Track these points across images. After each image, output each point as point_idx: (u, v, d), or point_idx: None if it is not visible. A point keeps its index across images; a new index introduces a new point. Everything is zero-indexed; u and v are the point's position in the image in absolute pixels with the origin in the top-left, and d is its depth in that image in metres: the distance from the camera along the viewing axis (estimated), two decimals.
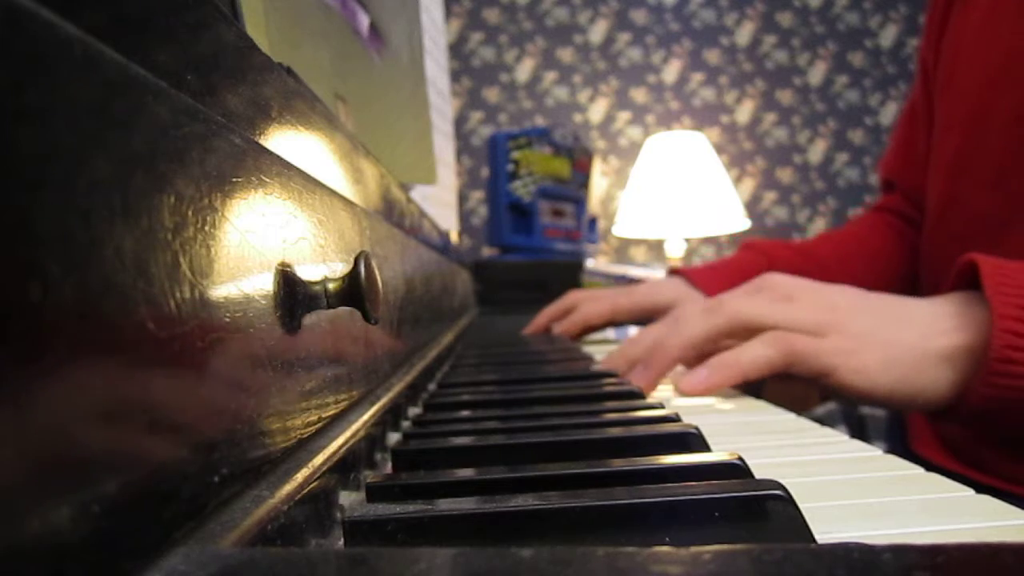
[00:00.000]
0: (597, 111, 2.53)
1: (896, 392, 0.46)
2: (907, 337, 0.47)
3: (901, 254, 0.86)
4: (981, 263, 0.47)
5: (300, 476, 0.20)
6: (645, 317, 0.78)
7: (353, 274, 0.23)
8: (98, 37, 0.13)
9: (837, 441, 0.35)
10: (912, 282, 0.83)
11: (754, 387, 0.57)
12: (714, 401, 0.48)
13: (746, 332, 0.49)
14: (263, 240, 0.20)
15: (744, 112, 2.54)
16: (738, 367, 0.46)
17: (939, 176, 0.75)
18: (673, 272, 0.82)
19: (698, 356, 0.50)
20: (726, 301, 0.50)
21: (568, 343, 0.75)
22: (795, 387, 0.52)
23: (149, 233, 0.14)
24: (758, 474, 0.25)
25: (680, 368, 0.54)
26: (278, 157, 0.23)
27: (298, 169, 0.24)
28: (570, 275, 1.33)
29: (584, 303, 0.80)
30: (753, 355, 0.46)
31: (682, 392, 0.47)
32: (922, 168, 0.82)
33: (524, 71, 2.51)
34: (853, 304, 0.49)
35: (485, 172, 2.10)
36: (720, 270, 0.81)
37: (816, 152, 2.54)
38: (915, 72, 0.88)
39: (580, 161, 1.45)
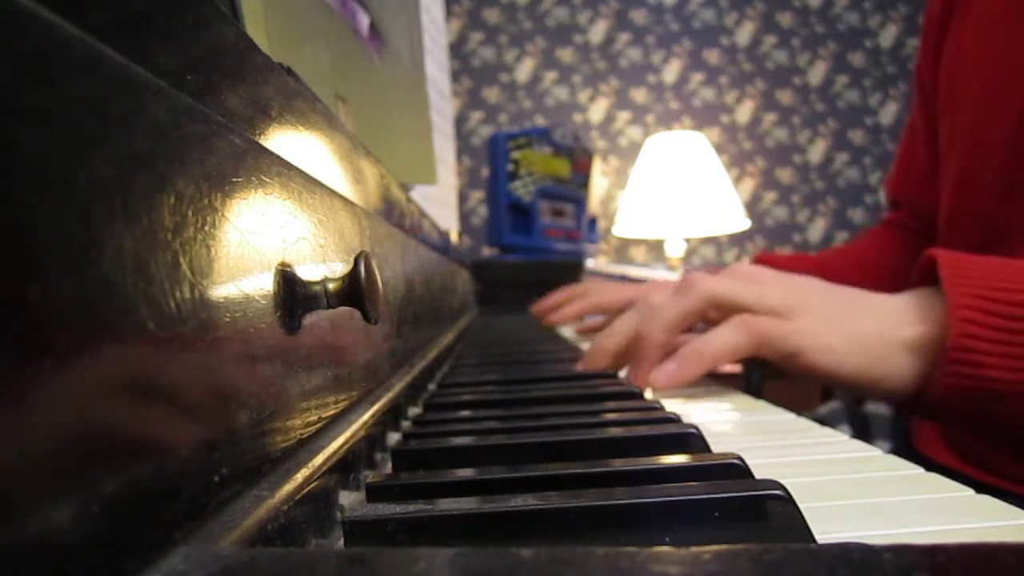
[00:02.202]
0: (597, 111, 2.53)
1: (861, 375, 0.47)
2: (872, 325, 0.48)
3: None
4: (939, 257, 0.48)
5: (300, 476, 0.20)
6: None
7: (353, 274, 0.23)
8: (98, 37, 0.13)
9: (837, 441, 0.35)
10: None
11: (754, 387, 0.57)
12: (714, 401, 0.48)
13: (718, 311, 0.50)
14: (263, 240, 0.20)
15: (744, 112, 2.54)
16: (708, 355, 0.47)
17: (947, 192, 0.76)
18: None
19: (677, 337, 0.50)
20: (696, 281, 0.51)
21: (568, 343, 0.75)
22: (795, 386, 0.53)
23: (149, 233, 0.14)
24: (758, 474, 0.25)
25: None
26: (278, 157, 0.23)
27: (298, 169, 0.24)
28: (570, 275, 1.33)
29: (600, 291, 0.82)
30: (720, 342, 0.47)
31: (655, 388, 0.47)
32: (923, 185, 0.84)
33: (524, 71, 2.51)
34: (820, 290, 0.50)
35: (485, 172, 2.10)
36: None
37: (816, 152, 2.54)
38: (913, 91, 0.88)
39: (580, 161, 1.45)
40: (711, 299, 0.50)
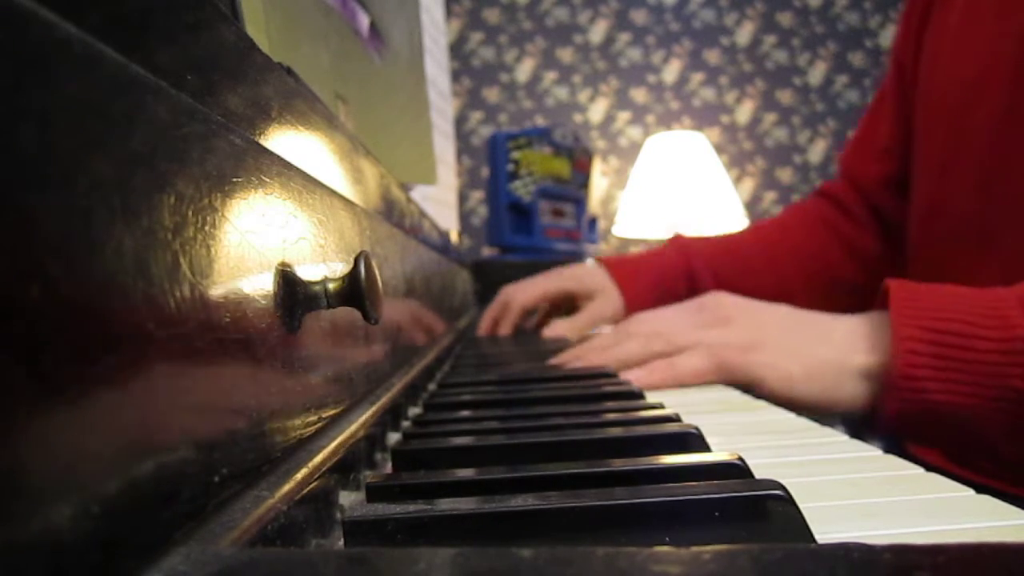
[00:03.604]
0: (597, 111, 2.53)
1: (818, 400, 0.52)
2: (827, 354, 0.52)
3: (826, 252, 0.90)
4: (892, 287, 0.52)
5: (300, 476, 0.20)
6: (569, 300, 0.87)
7: (353, 274, 0.23)
8: (98, 37, 0.13)
9: (837, 441, 0.35)
10: (831, 280, 0.88)
11: None
12: (714, 401, 0.48)
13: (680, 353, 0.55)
14: (263, 240, 0.20)
15: (744, 112, 2.54)
16: (672, 372, 0.52)
17: (924, 179, 0.76)
18: (598, 261, 0.91)
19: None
20: (669, 332, 0.55)
21: (567, 343, 0.75)
22: None
23: (149, 233, 0.14)
24: (758, 474, 0.25)
25: None
26: (278, 157, 0.23)
27: (298, 169, 0.24)
28: None
29: (516, 294, 0.87)
30: (688, 364, 0.52)
31: None
32: (875, 159, 0.86)
33: (524, 71, 2.51)
34: (781, 323, 0.55)
35: (485, 172, 2.10)
36: (640, 267, 0.89)
37: (816, 152, 2.54)
38: (887, 66, 0.89)
39: (580, 161, 1.45)
40: (677, 349, 0.54)
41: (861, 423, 0.55)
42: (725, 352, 0.52)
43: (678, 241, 0.92)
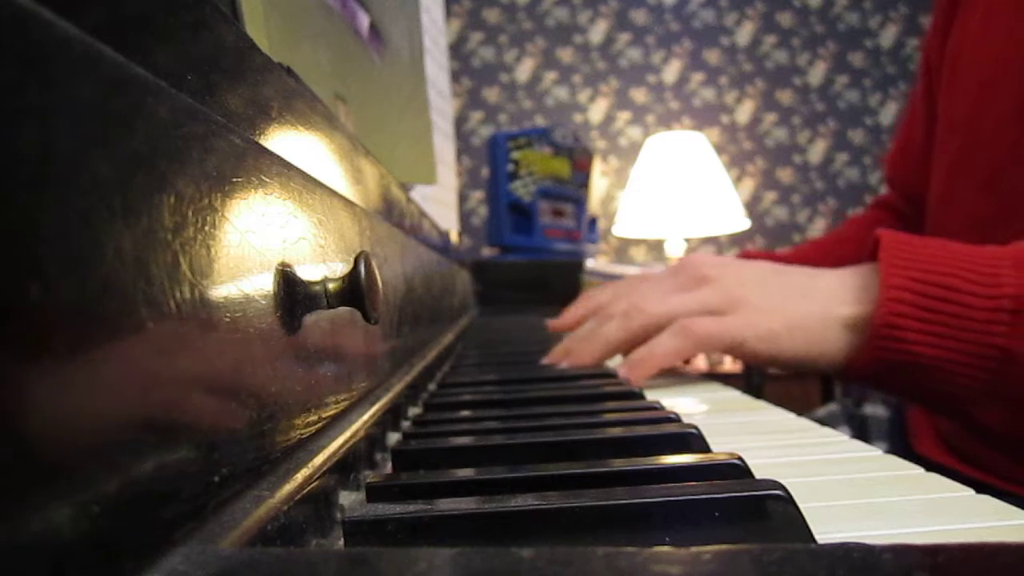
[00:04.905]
0: (597, 111, 2.53)
1: (801, 356, 0.51)
2: (811, 307, 0.51)
3: None
4: (882, 237, 0.51)
5: (300, 476, 0.20)
6: None
7: (353, 274, 0.23)
8: (98, 37, 0.13)
9: (837, 441, 0.35)
10: None
11: (754, 387, 0.58)
12: (714, 401, 0.48)
13: (660, 329, 0.53)
14: (263, 240, 0.20)
15: (744, 112, 2.54)
16: (652, 361, 0.51)
17: (939, 177, 0.76)
18: None
19: (615, 353, 0.55)
20: (642, 305, 0.54)
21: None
22: (794, 387, 0.54)
23: (149, 233, 0.14)
24: (758, 474, 0.25)
25: None
26: (278, 157, 0.23)
27: (298, 169, 0.24)
28: (570, 275, 1.33)
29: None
30: (663, 348, 0.51)
31: None
32: (916, 166, 0.86)
33: (524, 71, 2.51)
34: (761, 279, 0.53)
35: (485, 172, 2.10)
36: None
37: (816, 152, 2.54)
38: (917, 71, 0.89)
39: (580, 161, 1.45)
40: (654, 323, 0.53)
41: (836, 373, 0.53)
42: (701, 322, 0.51)
43: (746, 255, 0.92)
